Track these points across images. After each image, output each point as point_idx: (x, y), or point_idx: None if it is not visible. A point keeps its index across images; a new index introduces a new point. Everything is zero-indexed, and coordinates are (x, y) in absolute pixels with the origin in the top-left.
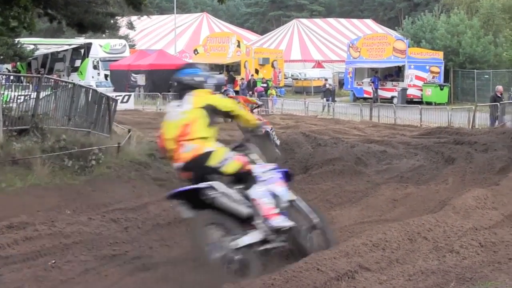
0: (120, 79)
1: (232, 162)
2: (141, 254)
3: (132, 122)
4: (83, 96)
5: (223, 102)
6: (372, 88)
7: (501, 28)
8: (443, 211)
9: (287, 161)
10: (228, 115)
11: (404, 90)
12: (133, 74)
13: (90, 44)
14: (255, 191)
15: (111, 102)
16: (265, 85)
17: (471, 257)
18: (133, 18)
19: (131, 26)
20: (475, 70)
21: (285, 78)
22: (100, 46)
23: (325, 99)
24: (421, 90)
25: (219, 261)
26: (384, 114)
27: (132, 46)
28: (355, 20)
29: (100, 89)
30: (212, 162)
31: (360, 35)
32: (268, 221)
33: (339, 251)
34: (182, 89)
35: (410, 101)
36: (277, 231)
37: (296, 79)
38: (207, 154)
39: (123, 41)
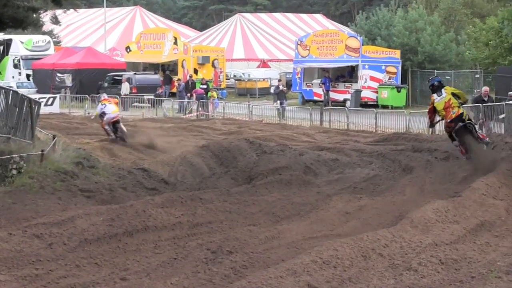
0: (44, 79)
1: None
2: (67, 273)
3: (58, 127)
4: (3, 98)
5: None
6: (322, 90)
7: (463, 24)
8: (400, 225)
9: (228, 170)
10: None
11: (358, 92)
12: (58, 74)
13: (10, 40)
14: None
15: (33, 105)
16: (205, 86)
17: (431, 275)
18: (58, 11)
19: (56, 20)
20: (435, 71)
21: (227, 79)
22: (21, 43)
23: (278, 102)
24: (377, 92)
25: None
26: (336, 119)
27: (57, 43)
28: (304, 15)
29: (21, 91)
30: (465, 116)
31: (309, 31)
32: None
33: (286, 269)
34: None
35: (365, 105)
36: None
37: (239, 80)
38: (463, 113)
39: (47, 37)
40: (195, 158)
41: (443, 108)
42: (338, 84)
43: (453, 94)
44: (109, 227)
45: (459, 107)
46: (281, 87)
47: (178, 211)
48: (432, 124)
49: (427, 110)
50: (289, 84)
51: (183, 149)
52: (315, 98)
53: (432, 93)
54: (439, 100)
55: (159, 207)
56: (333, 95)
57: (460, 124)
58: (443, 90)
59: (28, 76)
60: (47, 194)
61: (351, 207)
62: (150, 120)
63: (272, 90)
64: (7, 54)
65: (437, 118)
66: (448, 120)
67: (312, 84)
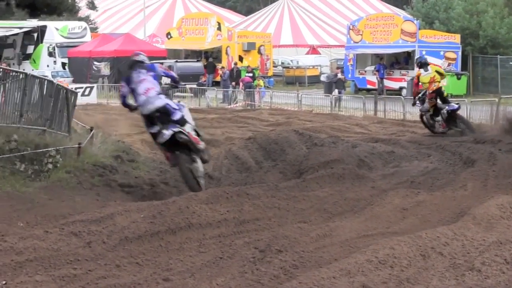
0: (80, 68)
1: None
2: (107, 273)
3: (95, 118)
4: (37, 88)
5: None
6: (376, 77)
7: None
8: (461, 222)
9: (277, 164)
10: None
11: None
12: (95, 62)
13: (45, 27)
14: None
15: (70, 95)
16: (251, 74)
17: (495, 276)
18: None
19: (92, 6)
20: (498, 56)
21: (274, 67)
22: (56, 30)
23: (336, 91)
24: None
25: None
26: (391, 108)
27: (94, 30)
28: None
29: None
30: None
31: (362, 15)
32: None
33: (340, 269)
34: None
35: None
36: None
37: (287, 67)
38: (441, 88)
39: (83, 24)
40: (240, 151)
41: (428, 82)
42: (393, 71)
43: (437, 72)
44: (151, 225)
45: (439, 82)
46: (339, 74)
47: (223, 207)
48: (415, 102)
49: (413, 83)
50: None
51: (228, 141)
52: (369, 86)
53: (419, 68)
54: (425, 74)
55: (203, 203)
56: (388, 83)
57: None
58: (429, 67)
59: (63, 64)
60: (84, 189)
61: (408, 202)
62: (192, 110)
63: (322, 78)
64: (42, 42)
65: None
66: (430, 91)
67: (365, 72)
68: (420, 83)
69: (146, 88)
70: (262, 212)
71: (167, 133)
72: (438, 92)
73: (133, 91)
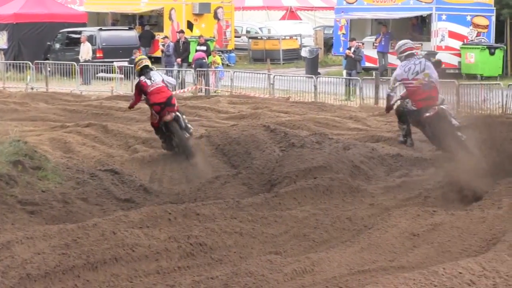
0: None
1: None
2: None
3: None
4: None
5: None
6: (378, 52)
7: None
8: (493, 252)
9: (239, 173)
10: None
11: (431, 55)
12: None
13: None
14: None
15: None
16: (204, 48)
17: None
18: None
19: None
20: None
21: (236, 37)
22: None
23: (345, 72)
24: (459, 55)
25: None
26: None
27: None
28: None
29: None
30: None
31: None
32: None
33: None
34: None
35: (441, 73)
36: None
37: (255, 38)
38: None
39: None
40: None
41: None
42: None
43: None
44: (63, 257)
45: None
46: (354, 47)
47: (164, 232)
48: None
49: None
50: (328, 45)
51: None
52: (368, 64)
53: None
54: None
55: (136, 227)
56: (394, 60)
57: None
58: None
59: None
60: None
61: (420, 226)
62: (122, 97)
63: (304, 53)
64: None
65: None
66: None
67: (363, 44)
68: None
69: None
70: (218, 239)
71: None
72: None
73: None
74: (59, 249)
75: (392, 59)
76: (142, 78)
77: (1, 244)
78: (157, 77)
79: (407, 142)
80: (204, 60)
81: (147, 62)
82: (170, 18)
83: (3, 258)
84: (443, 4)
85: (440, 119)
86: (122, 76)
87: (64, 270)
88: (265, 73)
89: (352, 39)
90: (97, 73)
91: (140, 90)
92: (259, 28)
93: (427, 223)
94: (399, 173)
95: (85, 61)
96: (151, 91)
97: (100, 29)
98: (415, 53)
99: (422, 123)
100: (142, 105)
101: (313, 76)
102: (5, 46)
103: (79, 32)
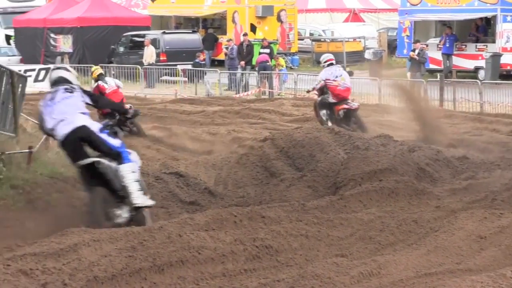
0: (32, 42)
1: None
2: None
3: None
4: None
5: None
6: (442, 54)
7: None
8: None
9: (304, 175)
10: None
11: (496, 57)
12: (52, 35)
13: None
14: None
15: (16, 81)
16: (267, 51)
17: None
18: None
19: None
20: None
21: (299, 39)
22: None
23: (409, 74)
24: None
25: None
26: (463, 96)
27: None
28: None
29: None
30: None
31: None
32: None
33: None
34: None
35: (507, 75)
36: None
37: (318, 40)
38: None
39: None
40: (254, 157)
41: None
42: (466, 45)
43: None
44: (129, 260)
45: None
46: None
47: (230, 235)
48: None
49: None
50: (392, 46)
51: (236, 144)
52: (432, 66)
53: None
54: None
55: (202, 229)
56: (459, 62)
57: None
58: None
59: (8, 38)
60: (38, 211)
61: (487, 228)
62: (186, 100)
63: (367, 55)
64: None
65: None
66: None
67: (427, 46)
68: None
69: None
70: (284, 241)
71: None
72: None
73: None
74: (126, 251)
75: (457, 61)
76: (100, 82)
77: (68, 246)
78: (111, 81)
79: (328, 123)
80: (267, 63)
81: (102, 71)
82: (233, 21)
83: (70, 260)
84: (508, 5)
85: (350, 111)
86: (186, 79)
87: (130, 272)
88: None
89: (416, 41)
90: (161, 76)
91: (100, 92)
92: (323, 31)
93: (494, 226)
94: (465, 176)
95: (149, 64)
96: (108, 93)
97: (164, 33)
98: (333, 63)
99: (335, 111)
100: (206, 108)
101: (377, 78)
102: (70, 50)
103: (143, 36)
